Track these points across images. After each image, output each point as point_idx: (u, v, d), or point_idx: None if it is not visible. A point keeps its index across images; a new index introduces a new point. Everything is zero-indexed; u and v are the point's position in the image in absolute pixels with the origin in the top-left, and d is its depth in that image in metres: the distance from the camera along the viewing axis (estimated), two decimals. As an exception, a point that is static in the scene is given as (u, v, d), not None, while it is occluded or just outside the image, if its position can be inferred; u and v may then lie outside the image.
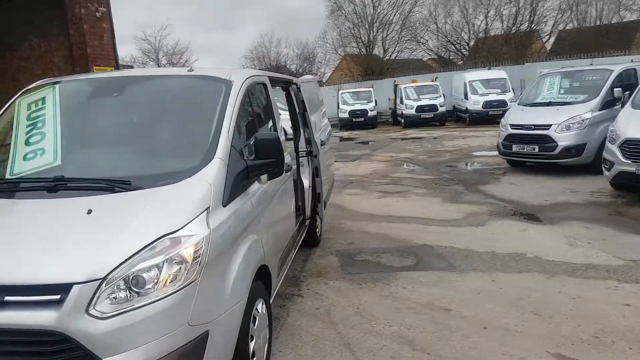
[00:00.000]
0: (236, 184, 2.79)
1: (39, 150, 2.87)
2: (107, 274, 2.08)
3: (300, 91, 4.92)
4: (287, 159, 3.85)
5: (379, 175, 10.32)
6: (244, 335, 2.68)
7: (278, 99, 4.45)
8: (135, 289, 2.14)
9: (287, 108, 5.03)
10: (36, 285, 2.06)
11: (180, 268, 2.25)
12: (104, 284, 2.08)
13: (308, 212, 5.08)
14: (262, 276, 3.08)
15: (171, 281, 2.21)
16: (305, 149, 5.05)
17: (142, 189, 2.51)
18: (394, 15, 34.05)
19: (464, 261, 4.97)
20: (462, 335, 3.48)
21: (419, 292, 4.27)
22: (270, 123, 3.80)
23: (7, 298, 2.03)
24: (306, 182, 5.06)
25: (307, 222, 5.11)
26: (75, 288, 2.04)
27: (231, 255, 2.59)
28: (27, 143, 2.93)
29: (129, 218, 2.32)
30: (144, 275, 2.16)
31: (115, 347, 2.06)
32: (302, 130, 5.02)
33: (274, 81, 4.58)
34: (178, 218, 2.36)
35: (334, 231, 6.21)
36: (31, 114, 3.10)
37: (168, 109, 3.18)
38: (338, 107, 23.60)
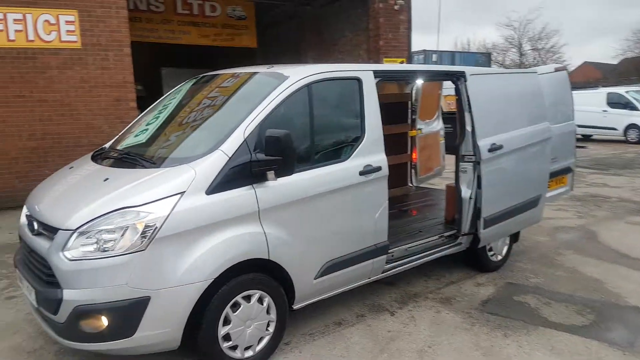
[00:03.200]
0: (234, 177, 3.07)
1: (145, 131, 3.92)
2: (77, 228, 2.85)
3: (466, 86, 4.43)
4: (372, 159, 3.73)
5: None
6: (213, 316, 3.02)
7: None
8: (97, 244, 2.86)
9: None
10: (47, 225, 3.06)
11: (130, 236, 2.82)
12: (75, 234, 2.87)
13: (465, 227, 4.57)
14: (268, 268, 3.26)
15: (121, 245, 2.83)
16: (471, 153, 4.53)
17: (153, 168, 3.19)
18: None
19: (661, 344, 3.51)
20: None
21: (528, 356, 3.38)
22: (349, 121, 3.76)
23: (36, 226, 3.13)
24: (465, 193, 4.55)
25: (460, 240, 4.61)
26: (59, 233, 2.92)
27: (198, 238, 2.94)
28: (147, 124, 4.04)
29: (118, 188, 3.02)
30: (103, 235, 2.85)
31: (72, 283, 2.84)
32: (469, 131, 4.52)
33: (413, 74, 4.34)
34: (147, 195, 2.90)
35: (539, 261, 5.24)
36: (165, 102, 4.21)
37: (225, 104, 3.68)
38: None
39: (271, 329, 3.33)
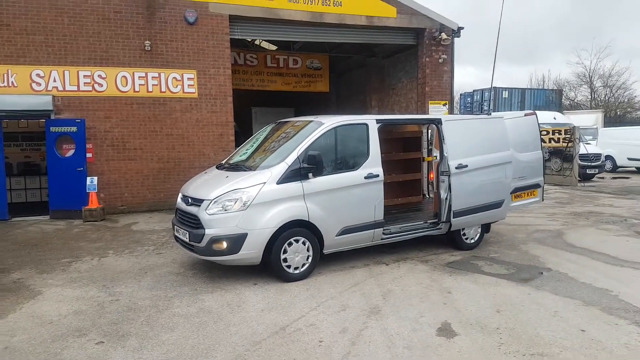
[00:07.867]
0: (291, 175, 6.17)
1: (245, 153, 7.23)
2: (213, 198, 6.09)
3: (442, 127, 7.33)
4: (372, 170, 6.73)
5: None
6: (277, 247, 6.11)
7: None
8: (223, 207, 6.09)
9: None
10: (197, 198, 6.34)
11: (239, 203, 6.02)
12: (212, 202, 6.12)
13: (442, 217, 7.38)
14: (308, 226, 6.31)
15: (234, 207, 6.04)
16: (446, 169, 7.38)
17: (250, 171, 6.41)
18: None
19: (555, 283, 6.03)
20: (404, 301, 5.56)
21: (456, 282, 6.12)
22: (360, 148, 6.77)
23: (190, 201, 6.45)
24: (443, 195, 7.39)
25: (440, 225, 7.43)
26: (204, 201, 6.19)
27: (271, 206, 6.06)
28: (246, 149, 7.35)
29: (233, 180, 6.26)
30: (226, 202, 6.08)
31: (210, 226, 6.08)
32: (445, 155, 7.38)
33: (404, 122, 7.33)
34: (248, 183, 6.10)
35: (505, 247, 7.86)
36: (257, 136, 7.55)
37: (289, 138, 6.86)
38: None
39: (309, 260, 6.37)
